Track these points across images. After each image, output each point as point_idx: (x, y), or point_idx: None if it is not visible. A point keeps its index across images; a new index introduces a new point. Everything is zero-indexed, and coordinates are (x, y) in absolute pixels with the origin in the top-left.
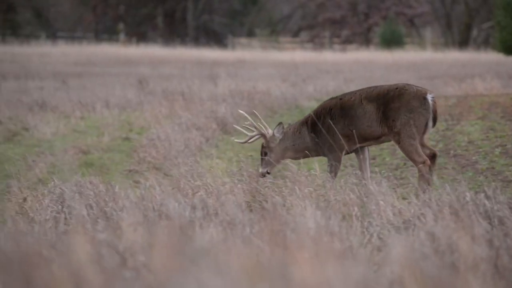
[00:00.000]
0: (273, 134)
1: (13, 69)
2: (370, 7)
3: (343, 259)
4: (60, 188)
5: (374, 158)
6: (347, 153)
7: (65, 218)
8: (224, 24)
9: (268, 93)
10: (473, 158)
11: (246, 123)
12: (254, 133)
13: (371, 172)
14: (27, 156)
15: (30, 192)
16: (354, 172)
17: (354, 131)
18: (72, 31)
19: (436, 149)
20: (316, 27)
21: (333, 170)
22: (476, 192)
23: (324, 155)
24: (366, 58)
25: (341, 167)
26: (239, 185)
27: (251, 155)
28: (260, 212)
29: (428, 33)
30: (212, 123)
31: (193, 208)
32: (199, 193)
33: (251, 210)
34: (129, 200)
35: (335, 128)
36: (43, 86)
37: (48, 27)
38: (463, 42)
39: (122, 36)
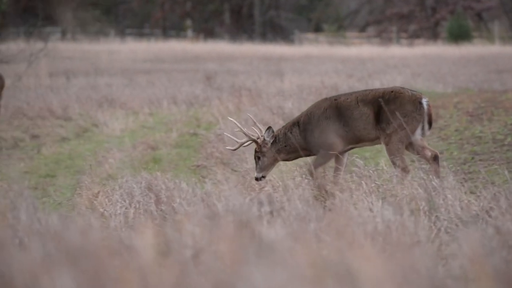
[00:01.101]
0: (264, 139)
1: (82, 66)
2: (437, 2)
3: (411, 254)
4: (129, 184)
5: (442, 153)
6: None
7: (134, 213)
8: (290, 19)
9: (335, 88)
10: None
11: (236, 130)
12: (244, 140)
13: (441, 167)
14: (97, 152)
15: (100, 188)
16: (421, 166)
17: (348, 132)
18: (140, 28)
19: (507, 142)
20: (383, 22)
21: (318, 165)
22: None
23: (314, 154)
24: (433, 53)
25: (409, 161)
26: (306, 180)
27: None
28: (327, 207)
29: (496, 27)
30: (279, 118)
31: (260, 203)
32: (266, 188)
33: (318, 205)
34: (197, 196)
35: (330, 128)
36: (112, 82)
37: (117, 24)
38: None
39: (189, 33)
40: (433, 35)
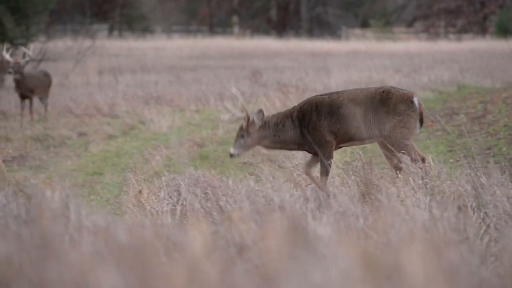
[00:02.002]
0: (253, 120)
1: (129, 63)
2: None
3: (459, 251)
4: (176, 181)
5: (489, 148)
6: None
7: (181, 211)
8: (337, 15)
9: (382, 83)
10: None
11: (238, 102)
12: (241, 114)
13: (489, 163)
14: (144, 149)
15: (146, 185)
16: (468, 163)
17: (340, 130)
18: (186, 25)
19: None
20: (431, 17)
21: (326, 168)
22: None
23: (309, 151)
24: (482, 48)
25: (457, 157)
26: (352, 177)
27: (365, 146)
28: (374, 203)
29: None
30: None
31: (306, 199)
32: (312, 185)
33: (365, 201)
34: (243, 193)
35: (323, 126)
36: (158, 80)
37: (164, 21)
38: None
39: (236, 29)
40: (481, 30)
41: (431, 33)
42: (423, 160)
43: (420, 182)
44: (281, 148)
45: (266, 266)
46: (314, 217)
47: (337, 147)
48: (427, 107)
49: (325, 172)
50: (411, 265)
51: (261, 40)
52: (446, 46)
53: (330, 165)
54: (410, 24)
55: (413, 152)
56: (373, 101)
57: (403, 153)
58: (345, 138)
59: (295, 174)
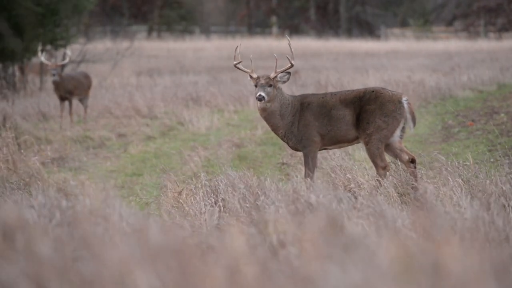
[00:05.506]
0: (277, 76)
1: (168, 64)
2: None
3: (500, 251)
4: (214, 182)
5: None
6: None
7: (219, 211)
8: (377, 15)
9: (422, 83)
10: None
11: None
12: (253, 75)
13: None
14: (182, 150)
15: (185, 186)
16: (508, 162)
17: (330, 131)
18: (225, 26)
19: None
20: (470, 16)
21: (311, 167)
22: None
23: (292, 147)
24: None
25: (497, 157)
26: (390, 177)
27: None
28: (413, 203)
29: None
30: None
31: (343, 200)
32: (350, 186)
33: (403, 202)
34: (281, 193)
35: (314, 125)
36: (197, 80)
37: (202, 22)
38: None
39: (275, 30)
40: None
41: (471, 32)
42: (413, 160)
43: (459, 181)
44: (274, 123)
45: (305, 266)
46: (349, 217)
47: (321, 149)
48: (467, 107)
49: (309, 174)
50: (451, 264)
51: (300, 40)
52: (486, 45)
53: (315, 164)
54: (449, 23)
55: (379, 158)
56: (362, 100)
57: (372, 158)
58: (333, 141)
59: (333, 175)
